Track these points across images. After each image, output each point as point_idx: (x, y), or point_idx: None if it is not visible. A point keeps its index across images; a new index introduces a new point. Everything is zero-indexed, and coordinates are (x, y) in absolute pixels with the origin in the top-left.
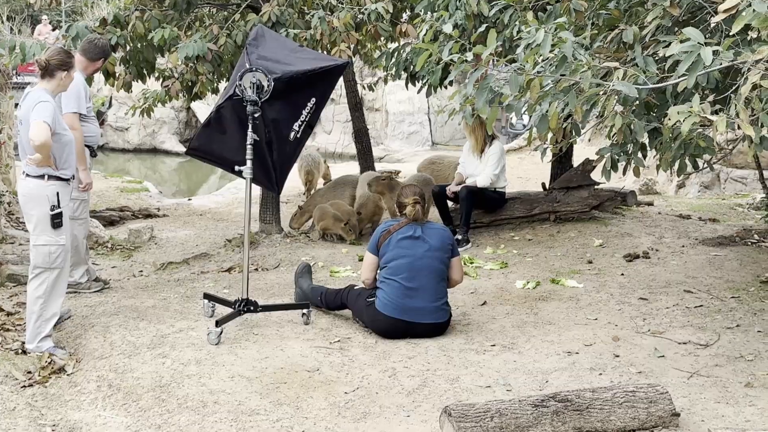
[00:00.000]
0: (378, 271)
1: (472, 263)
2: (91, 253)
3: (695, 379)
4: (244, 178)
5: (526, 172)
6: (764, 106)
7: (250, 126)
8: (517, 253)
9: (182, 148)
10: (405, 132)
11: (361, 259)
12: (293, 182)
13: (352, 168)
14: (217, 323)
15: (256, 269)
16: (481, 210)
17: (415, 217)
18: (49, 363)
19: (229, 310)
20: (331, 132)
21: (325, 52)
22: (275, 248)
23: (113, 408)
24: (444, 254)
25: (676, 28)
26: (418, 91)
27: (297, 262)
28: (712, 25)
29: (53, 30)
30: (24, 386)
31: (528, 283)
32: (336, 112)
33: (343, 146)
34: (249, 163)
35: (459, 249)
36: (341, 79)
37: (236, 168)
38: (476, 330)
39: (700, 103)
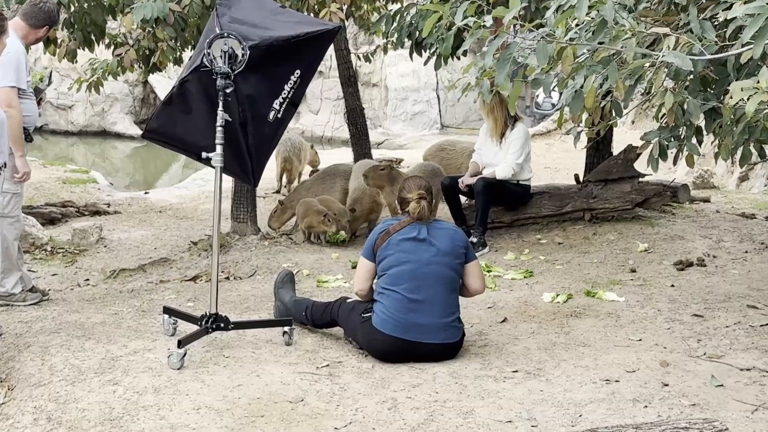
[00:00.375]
0: (375, 281)
1: (489, 272)
2: (26, 258)
3: (761, 413)
4: (213, 168)
5: (555, 161)
6: None
7: (220, 104)
8: (544, 260)
9: (138, 131)
10: (408, 112)
11: (354, 266)
12: (273, 173)
13: (344, 156)
14: (180, 343)
15: (228, 278)
16: (501, 207)
17: (420, 215)
18: None
19: (194, 328)
20: (318, 112)
21: (312, 15)
22: (250, 252)
23: None
24: (455, 260)
25: None
26: (425, 63)
27: (277, 269)
28: None
29: None
30: None
31: (557, 296)
32: (325, 87)
33: (333, 129)
34: (219, 148)
35: (475, 251)
36: (331, 47)
37: (203, 155)
38: (495, 352)
39: None
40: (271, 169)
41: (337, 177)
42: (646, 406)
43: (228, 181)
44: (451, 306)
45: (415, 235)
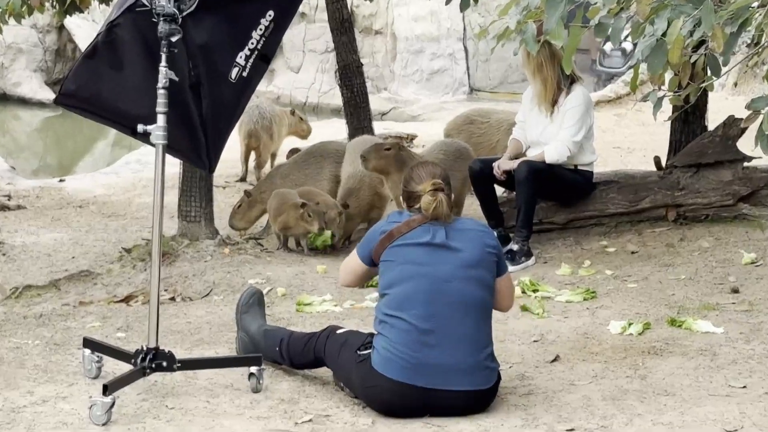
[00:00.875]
0: (376, 303)
1: (535, 291)
2: None
3: None
4: (153, 146)
5: (627, 138)
6: None
7: (163, 57)
8: (611, 275)
9: (50, 95)
10: (424, 70)
11: None
12: (237, 153)
13: (336, 131)
14: (106, 389)
15: (173, 299)
16: (552, 202)
17: (435, 213)
18: None
19: (127, 368)
20: (299, 69)
21: None
22: (205, 264)
23: None
24: (486, 272)
25: None
26: (447, 2)
27: (241, 287)
28: None
29: None
30: None
31: (630, 325)
32: (309, 35)
33: (319, 93)
34: (161, 119)
35: (513, 267)
36: None
37: (140, 128)
38: (542, 403)
39: None
40: (235, 148)
41: (324, 160)
42: None
43: (174, 165)
44: (481, 339)
45: (429, 239)
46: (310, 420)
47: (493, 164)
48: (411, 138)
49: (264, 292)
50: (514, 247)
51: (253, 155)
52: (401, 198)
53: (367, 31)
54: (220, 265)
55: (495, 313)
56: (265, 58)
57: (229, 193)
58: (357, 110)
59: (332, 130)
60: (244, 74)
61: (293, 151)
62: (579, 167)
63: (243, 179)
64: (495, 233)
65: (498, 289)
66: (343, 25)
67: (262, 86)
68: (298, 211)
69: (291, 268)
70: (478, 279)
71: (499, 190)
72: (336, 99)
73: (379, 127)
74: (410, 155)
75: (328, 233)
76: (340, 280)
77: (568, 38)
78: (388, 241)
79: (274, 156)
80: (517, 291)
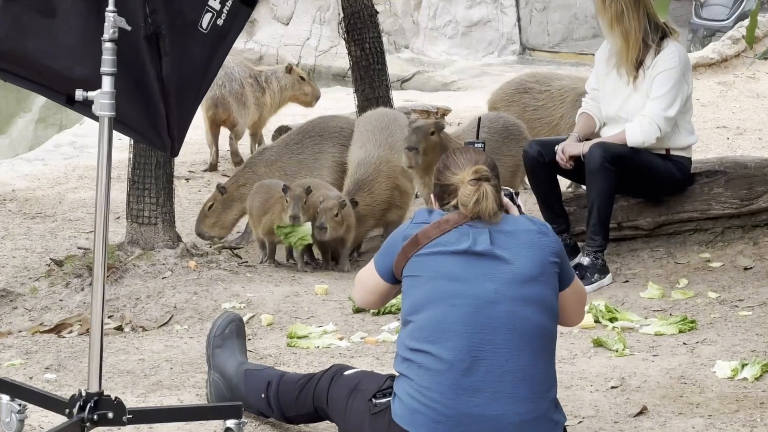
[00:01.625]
0: (399, 331)
1: (613, 320)
2: None
3: None
4: (95, 119)
5: (736, 115)
6: None
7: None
8: (716, 299)
9: None
10: (460, 21)
11: (357, 310)
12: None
13: (340, 102)
14: None
15: (120, 328)
16: (636, 199)
17: (477, 209)
18: None
19: (60, 420)
20: (290, 20)
21: None
22: (164, 281)
23: None
24: (547, 289)
25: None
26: None
27: (213, 313)
28: None
29: None
30: None
31: (743, 367)
32: None
33: (317, 52)
34: (107, 83)
35: (587, 282)
36: None
37: (77, 95)
38: None
39: None
40: (203, 126)
41: (325, 141)
42: None
43: (122, 149)
44: (541, 381)
45: (469, 245)
46: None
47: (556, 148)
48: (442, 113)
49: (244, 319)
50: (585, 260)
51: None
52: (432, 195)
53: None
54: (183, 284)
55: (559, 350)
56: (251, 2)
57: (196, 186)
58: (369, 75)
59: (334, 101)
60: (219, 22)
61: (281, 130)
62: (672, 153)
63: (213, 168)
64: (559, 238)
65: (563, 304)
66: None
67: (239, 43)
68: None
69: (280, 287)
70: (537, 299)
71: (564, 183)
72: (340, 60)
73: (398, 98)
74: (449, 139)
75: (306, 227)
76: (355, 297)
77: None
78: (412, 248)
79: (256, 136)
80: (589, 320)
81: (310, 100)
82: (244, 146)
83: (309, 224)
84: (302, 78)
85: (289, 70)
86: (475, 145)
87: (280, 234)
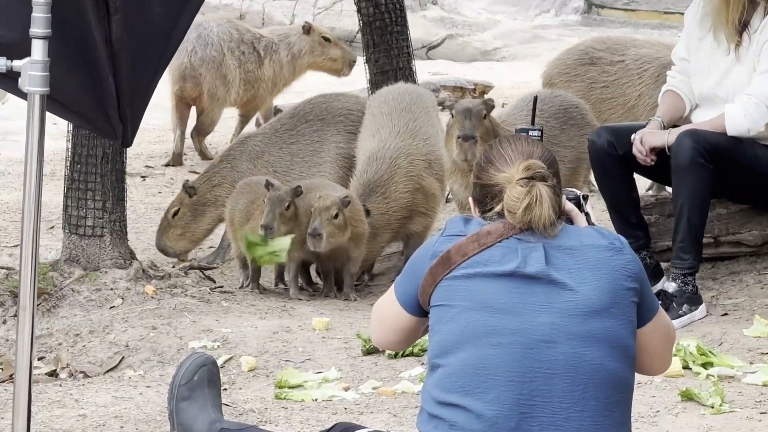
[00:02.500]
0: (424, 367)
1: (707, 366)
2: None
3: None
4: (22, 97)
5: None
6: None
7: None
8: None
9: None
10: None
11: (368, 351)
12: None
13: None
14: None
15: (55, 373)
16: (737, 205)
17: (529, 217)
18: None
19: None
20: None
21: None
22: (111, 312)
23: None
24: (619, 322)
25: None
26: None
27: (177, 355)
28: None
29: None
30: None
31: None
32: None
33: (316, 9)
34: (38, 49)
35: (673, 316)
36: None
37: (1, 64)
38: None
39: None
40: (165, 107)
41: (327, 127)
42: None
43: (57, 137)
44: None
45: (517, 266)
46: None
47: (633, 137)
48: (481, 91)
49: (218, 363)
50: (671, 286)
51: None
52: (471, 199)
53: None
54: (138, 316)
55: (635, 405)
56: None
57: (155, 186)
58: (385, 39)
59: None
60: None
61: (270, 111)
62: None
63: (178, 161)
64: (637, 256)
65: (643, 344)
66: None
67: None
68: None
69: (266, 321)
70: (607, 337)
71: (643, 184)
72: (346, 20)
73: (423, 70)
74: (497, 125)
75: (283, 241)
76: (372, 336)
77: None
78: (443, 269)
79: (247, 119)
80: (677, 365)
81: (341, 67)
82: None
83: (288, 238)
84: (326, 39)
85: (308, 30)
86: (530, 133)
87: (247, 247)
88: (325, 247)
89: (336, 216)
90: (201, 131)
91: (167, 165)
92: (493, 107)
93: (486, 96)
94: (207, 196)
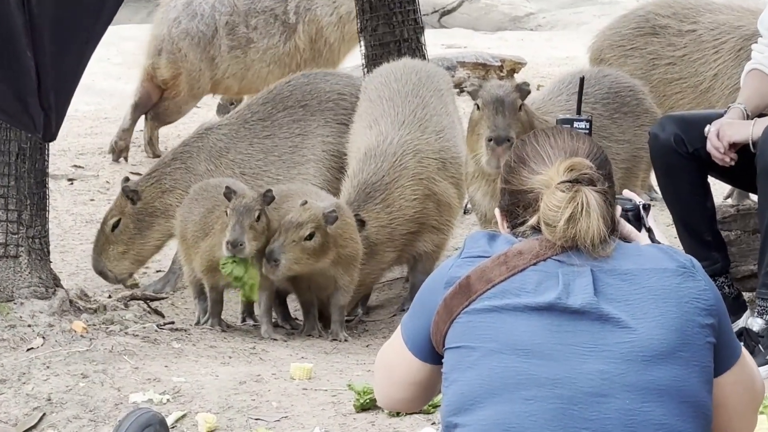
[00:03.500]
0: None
1: None
2: None
3: None
4: None
5: None
6: None
7: None
8: None
9: None
10: None
11: (363, 407)
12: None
13: None
14: None
15: None
16: None
17: (572, 236)
18: None
19: None
20: None
21: None
22: (29, 356)
23: None
24: (689, 370)
25: None
26: None
27: (113, 409)
28: None
29: None
30: None
31: None
32: None
33: None
34: None
35: (759, 361)
36: None
37: None
38: None
39: None
40: (100, 90)
41: (311, 115)
42: None
43: None
44: None
45: (557, 296)
46: None
47: (707, 129)
48: (510, 69)
49: (168, 422)
50: (756, 324)
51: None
52: (497, 210)
53: None
54: (64, 360)
55: None
56: None
57: (87, 191)
58: (385, 2)
59: None
60: None
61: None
62: None
63: (120, 156)
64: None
65: (721, 398)
66: None
67: None
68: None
69: (230, 367)
70: (674, 389)
71: (720, 190)
72: None
73: (435, 41)
74: (533, 116)
75: (250, 273)
76: (377, 394)
77: None
78: (461, 299)
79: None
80: (764, 424)
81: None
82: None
83: (252, 272)
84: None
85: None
86: (574, 125)
87: (226, 272)
88: (282, 276)
89: (310, 237)
90: (160, 118)
91: (104, 164)
92: (528, 93)
93: (517, 76)
94: (154, 203)
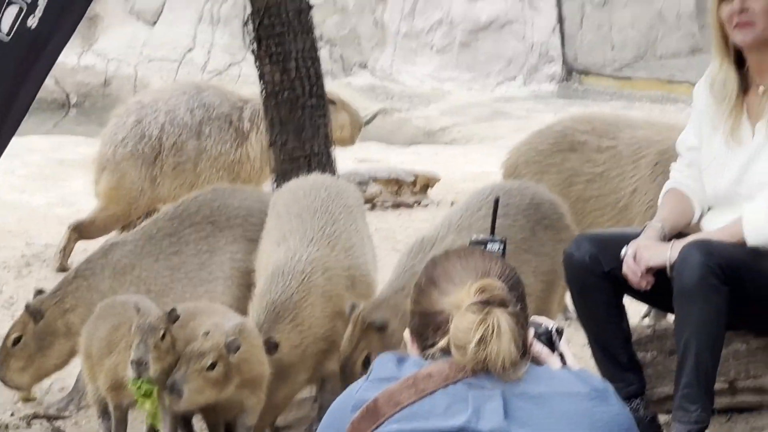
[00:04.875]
0: None
1: None
2: None
3: None
4: None
5: None
6: None
7: None
8: None
9: None
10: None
11: None
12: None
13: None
14: None
15: None
16: (761, 338)
17: (483, 358)
18: None
19: None
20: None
21: None
22: None
23: None
24: None
25: None
26: None
27: None
28: None
29: None
30: None
31: None
32: None
33: (205, 73)
34: None
35: None
36: None
37: None
38: None
39: None
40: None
41: (220, 231)
42: None
43: None
44: None
45: (466, 421)
46: None
47: (624, 250)
48: (425, 185)
49: None
50: None
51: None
52: (407, 332)
53: None
54: None
55: None
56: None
57: None
58: (296, 115)
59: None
60: (32, 23)
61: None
62: None
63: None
64: (627, 407)
65: None
66: None
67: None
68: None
69: None
70: None
71: (636, 311)
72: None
73: (347, 156)
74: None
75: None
76: None
77: None
78: (369, 423)
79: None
80: None
81: (349, 135)
82: None
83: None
84: (331, 102)
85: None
86: (488, 246)
87: (136, 395)
88: (186, 408)
89: (212, 366)
90: (85, 231)
91: (62, 269)
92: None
93: (431, 191)
94: (56, 323)
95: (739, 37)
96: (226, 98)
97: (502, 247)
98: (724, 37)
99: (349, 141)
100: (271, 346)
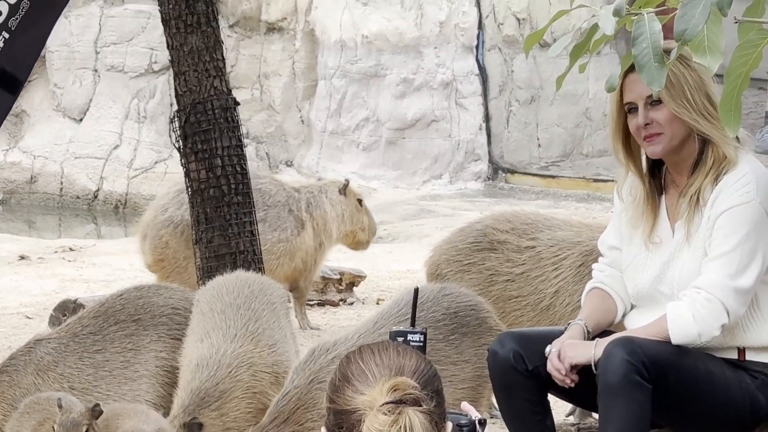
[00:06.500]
0: None
1: None
2: None
3: None
4: None
5: None
6: None
7: None
8: None
9: None
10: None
11: None
12: None
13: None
14: None
15: None
16: None
17: None
18: None
19: None
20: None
21: None
22: None
23: None
24: None
25: None
26: None
27: None
28: None
29: None
30: None
31: None
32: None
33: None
34: None
35: None
36: None
37: None
38: None
39: None
40: None
41: (144, 330)
42: None
43: None
44: None
45: None
46: None
47: (548, 349)
48: (351, 283)
49: None
50: None
51: None
52: (325, 428)
53: (249, 27)
54: None
55: None
56: (9, 80)
57: None
58: (221, 213)
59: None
60: None
61: (65, 307)
62: (749, 356)
63: None
64: None
65: None
66: (192, 8)
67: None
68: None
69: None
70: None
71: (562, 407)
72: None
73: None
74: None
75: None
76: None
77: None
78: None
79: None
80: None
81: (367, 239)
82: None
83: None
84: (359, 202)
85: (344, 189)
86: (409, 337)
87: None
88: None
89: None
90: None
91: None
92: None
93: (356, 289)
94: None
95: (650, 149)
96: (282, 187)
97: (423, 338)
98: (628, 146)
99: (365, 245)
100: (195, 427)
